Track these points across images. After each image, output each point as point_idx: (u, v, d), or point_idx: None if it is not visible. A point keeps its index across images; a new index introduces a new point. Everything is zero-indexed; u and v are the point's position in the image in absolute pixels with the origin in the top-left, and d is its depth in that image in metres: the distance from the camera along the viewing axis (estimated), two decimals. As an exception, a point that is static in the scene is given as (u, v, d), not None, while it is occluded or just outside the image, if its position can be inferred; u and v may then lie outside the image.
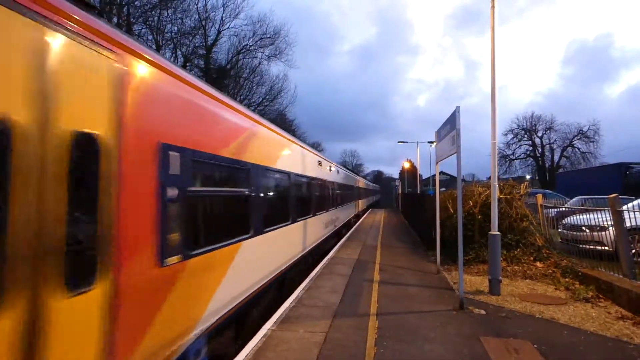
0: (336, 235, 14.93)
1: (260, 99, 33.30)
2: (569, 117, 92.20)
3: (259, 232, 5.41)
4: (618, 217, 6.65)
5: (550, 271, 8.10)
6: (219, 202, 4.48)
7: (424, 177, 57.86)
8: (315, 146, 40.84)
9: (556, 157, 46.75)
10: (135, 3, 24.34)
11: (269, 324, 5.26)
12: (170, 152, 3.23)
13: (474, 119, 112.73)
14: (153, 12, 25.34)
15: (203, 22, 28.28)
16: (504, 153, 46.72)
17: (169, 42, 27.14)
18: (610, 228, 7.28)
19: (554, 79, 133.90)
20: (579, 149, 44.85)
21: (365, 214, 32.53)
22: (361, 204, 30.19)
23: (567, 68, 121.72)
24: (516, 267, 8.48)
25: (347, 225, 19.49)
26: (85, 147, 2.36)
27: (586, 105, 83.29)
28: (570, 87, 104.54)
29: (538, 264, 8.56)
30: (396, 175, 76.84)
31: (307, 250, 8.91)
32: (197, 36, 28.58)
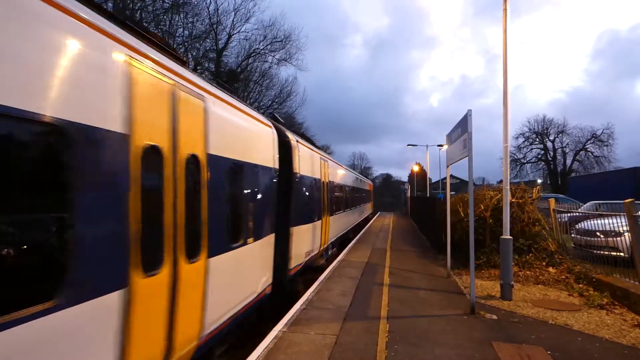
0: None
1: (270, 102, 33.52)
2: (594, 116, 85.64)
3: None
4: (634, 223, 6.53)
5: (563, 277, 7.99)
6: None
7: (433, 181, 57.43)
8: (325, 149, 40.62)
9: (568, 161, 45.87)
10: (148, 8, 24.78)
11: (279, 326, 5.29)
12: None
13: (490, 119, 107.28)
14: (165, 17, 25.77)
15: (214, 26, 28.63)
16: (515, 157, 45.97)
17: (180, 46, 27.52)
18: (626, 234, 7.15)
19: (579, 75, 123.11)
20: (592, 153, 43.98)
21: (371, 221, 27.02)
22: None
23: (594, 63, 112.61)
24: (528, 272, 8.37)
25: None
26: None
27: (615, 102, 75.99)
28: (596, 83, 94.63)
29: (551, 269, 8.45)
30: (405, 178, 76.33)
31: None
32: (208, 40, 28.95)
